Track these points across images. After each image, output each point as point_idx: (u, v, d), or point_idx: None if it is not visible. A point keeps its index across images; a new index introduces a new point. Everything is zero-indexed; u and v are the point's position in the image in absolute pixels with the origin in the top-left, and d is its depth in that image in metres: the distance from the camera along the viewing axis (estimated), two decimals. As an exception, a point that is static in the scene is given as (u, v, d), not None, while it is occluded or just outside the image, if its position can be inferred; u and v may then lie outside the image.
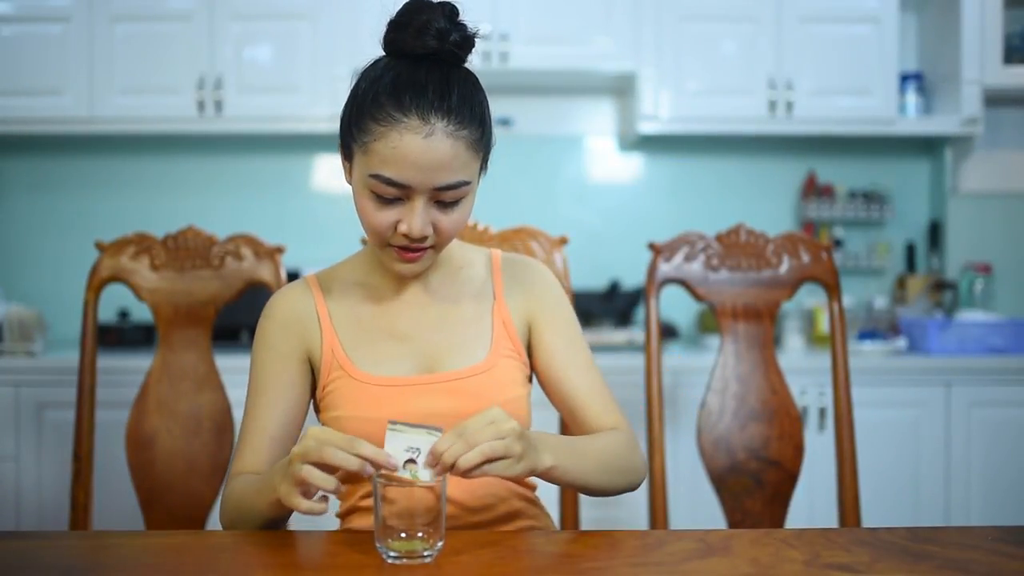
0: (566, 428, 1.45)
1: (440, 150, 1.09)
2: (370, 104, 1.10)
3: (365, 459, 0.97)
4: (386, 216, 1.12)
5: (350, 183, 1.18)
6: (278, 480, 1.03)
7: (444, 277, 1.28)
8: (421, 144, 1.08)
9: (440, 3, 1.12)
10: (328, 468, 0.99)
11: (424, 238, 1.13)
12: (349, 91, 1.17)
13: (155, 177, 3.23)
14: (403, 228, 1.12)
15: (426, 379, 1.21)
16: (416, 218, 1.11)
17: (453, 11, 1.12)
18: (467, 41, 1.13)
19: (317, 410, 1.28)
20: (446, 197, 1.12)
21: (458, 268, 1.30)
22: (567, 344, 1.29)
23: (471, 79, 1.15)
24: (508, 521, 1.24)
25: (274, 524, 1.13)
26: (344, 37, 2.89)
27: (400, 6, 1.13)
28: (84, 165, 3.22)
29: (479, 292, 1.28)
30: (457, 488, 1.17)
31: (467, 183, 1.13)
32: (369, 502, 1.21)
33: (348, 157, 1.16)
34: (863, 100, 2.95)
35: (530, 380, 1.30)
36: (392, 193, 1.11)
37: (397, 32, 1.12)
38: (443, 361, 1.22)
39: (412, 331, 1.24)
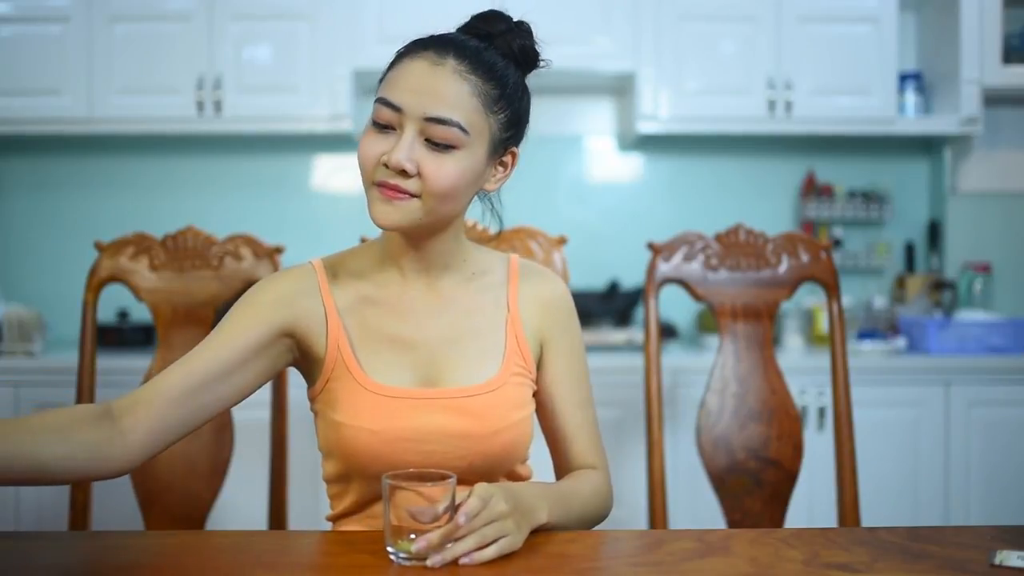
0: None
1: (442, 80, 1.10)
2: (398, 53, 1.15)
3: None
4: (376, 146, 1.10)
5: None
6: None
7: (458, 283, 1.22)
8: (427, 70, 1.10)
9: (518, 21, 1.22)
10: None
11: (404, 173, 1.09)
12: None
13: (154, 177, 3.23)
14: (385, 158, 1.09)
15: (431, 393, 1.16)
16: (401, 145, 1.09)
17: (527, 27, 1.25)
18: (529, 51, 1.25)
19: (311, 400, 1.21)
20: (436, 134, 1.09)
21: (472, 274, 1.24)
22: (572, 375, 1.26)
23: (522, 80, 1.24)
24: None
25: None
26: (344, 37, 2.89)
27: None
28: (83, 165, 3.22)
29: (494, 302, 1.23)
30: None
31: (462, 130, 1.10)
32: (359, 507, 1.20)
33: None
34: (862, 100, 2.95)
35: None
36: (387, 118, 1.10)
37: (476, 19, 1.20)
38: (450, 376, 1.18)
39: (419, 339, 1.19)
